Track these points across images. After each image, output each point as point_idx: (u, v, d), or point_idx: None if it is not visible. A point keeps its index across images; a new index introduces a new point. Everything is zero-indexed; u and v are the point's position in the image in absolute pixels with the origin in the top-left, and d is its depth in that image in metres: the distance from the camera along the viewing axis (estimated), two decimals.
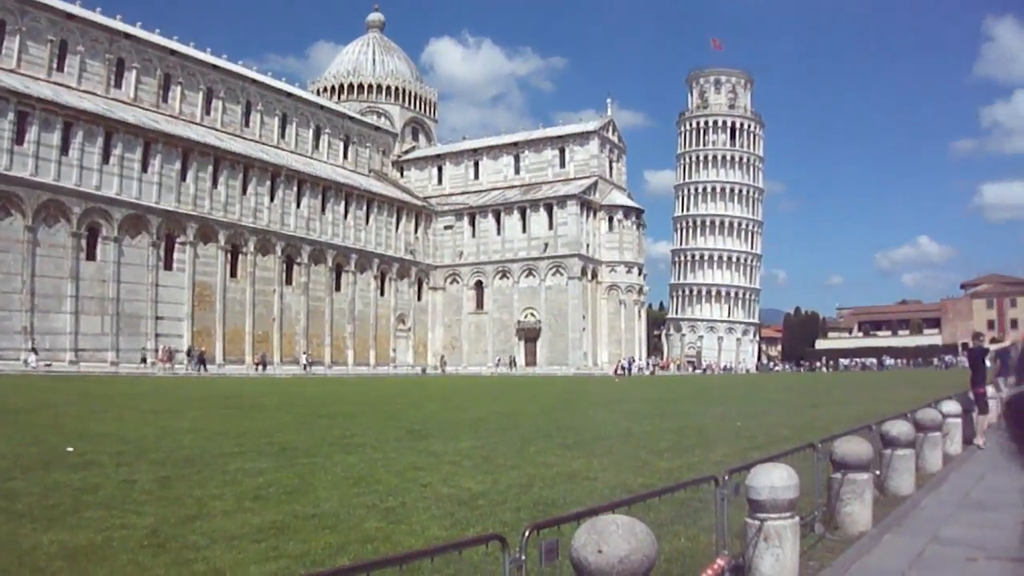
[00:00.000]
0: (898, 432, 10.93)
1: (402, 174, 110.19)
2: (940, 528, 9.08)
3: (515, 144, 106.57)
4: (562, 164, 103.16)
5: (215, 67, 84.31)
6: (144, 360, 63.32)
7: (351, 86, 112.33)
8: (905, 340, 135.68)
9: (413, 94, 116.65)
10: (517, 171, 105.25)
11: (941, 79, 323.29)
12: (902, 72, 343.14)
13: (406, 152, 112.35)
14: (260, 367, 69.38)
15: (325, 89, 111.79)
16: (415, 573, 5.77)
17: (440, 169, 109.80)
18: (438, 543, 7.09)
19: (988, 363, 18.65)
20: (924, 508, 10.33)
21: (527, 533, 4.26)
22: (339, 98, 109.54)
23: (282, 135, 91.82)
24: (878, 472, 10.28)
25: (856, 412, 23.42)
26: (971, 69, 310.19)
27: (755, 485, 6.46)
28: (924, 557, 7.77)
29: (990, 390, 18.51)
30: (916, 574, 7.21)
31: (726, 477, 6.40)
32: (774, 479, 6.45)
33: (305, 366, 75.06)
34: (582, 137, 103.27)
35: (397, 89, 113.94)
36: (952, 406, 15.56)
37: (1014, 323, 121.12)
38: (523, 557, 4.10)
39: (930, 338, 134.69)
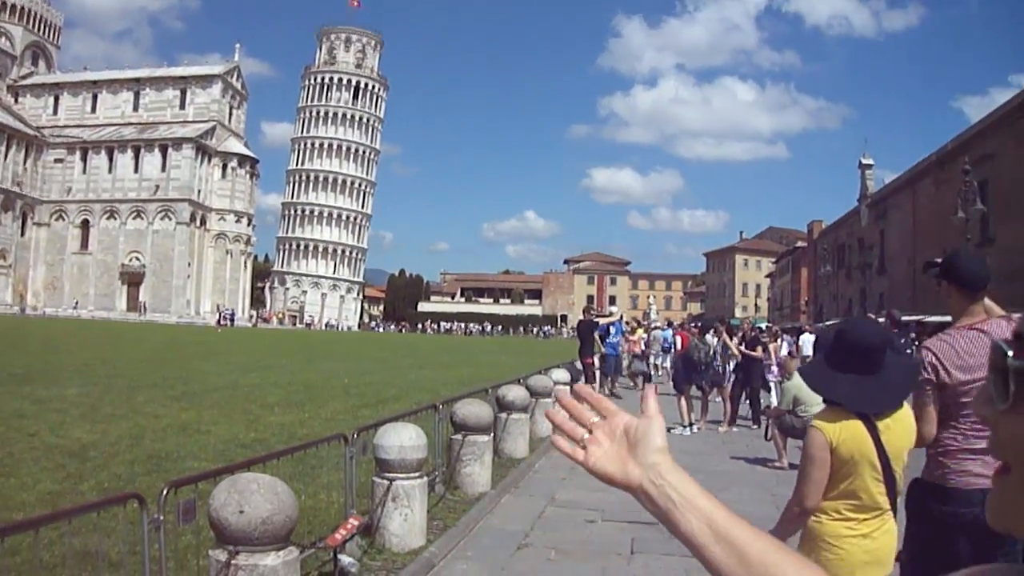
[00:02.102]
0: (514, 397, 11.85)
1: (16, 100, 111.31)
2: (556, 491, 10.01)
3: (137, 80, 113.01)
4: (182, 106, 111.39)
5: None
6: None
7: None
8: (507, 308, 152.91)
9: (38, 16, 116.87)
10: (136, 108, 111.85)
11: (567, 66, 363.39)
12: (529, 54, 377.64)
13: (24, 77, 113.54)
14: None
15: None
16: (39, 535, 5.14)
17: (57, 99, 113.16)
18: (54, 499, 7.65)
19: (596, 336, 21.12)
20: (539, 471, 11.33)
21: (165, 492, 4.42)
22: None
23: None
24: (494, 435, 10.84)
25: (461, 375, 25.64)
26: (596, 60, 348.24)
27: (384, 444, 6.97)
28: (545, 518, 8.70)
29: (595, 360, 21.49)
30: (539, 534, 7.97)
31: (355, 435, 6.96)
32: (403, 439, 6.98)
33: None
34: (205, 80, 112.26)
35: (22, 8, 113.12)
36: (561, 374, 16.99)
37: (612, 299, 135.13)
38: (161, 517, 4.29)
39: (531, 308, 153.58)
